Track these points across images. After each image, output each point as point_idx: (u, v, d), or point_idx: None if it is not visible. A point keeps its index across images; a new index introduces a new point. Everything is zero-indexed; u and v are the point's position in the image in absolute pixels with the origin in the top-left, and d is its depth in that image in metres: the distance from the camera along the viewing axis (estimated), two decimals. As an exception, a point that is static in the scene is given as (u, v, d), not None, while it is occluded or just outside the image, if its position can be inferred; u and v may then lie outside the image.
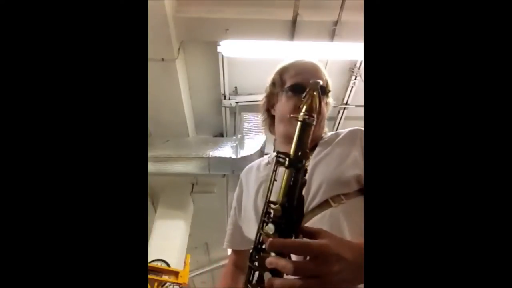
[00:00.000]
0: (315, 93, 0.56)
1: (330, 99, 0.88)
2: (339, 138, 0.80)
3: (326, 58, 2.91)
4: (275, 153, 0.56)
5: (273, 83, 0.88)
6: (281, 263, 0.45)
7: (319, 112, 0.79)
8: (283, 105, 0.83)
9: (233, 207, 0.93)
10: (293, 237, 0.50)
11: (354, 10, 2.44)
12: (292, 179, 0.51)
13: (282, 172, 0.54)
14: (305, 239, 0.50)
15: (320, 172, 0.72)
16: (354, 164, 0.70)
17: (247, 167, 0.95)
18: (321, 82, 0.59)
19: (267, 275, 0.49)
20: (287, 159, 0.52)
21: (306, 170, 0.54)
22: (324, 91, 0.84)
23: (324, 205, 0.67)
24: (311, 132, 0.54)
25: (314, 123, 0.55)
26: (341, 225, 0.64)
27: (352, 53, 2.70)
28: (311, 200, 0.68)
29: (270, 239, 0.47)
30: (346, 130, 0.82)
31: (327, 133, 0.86)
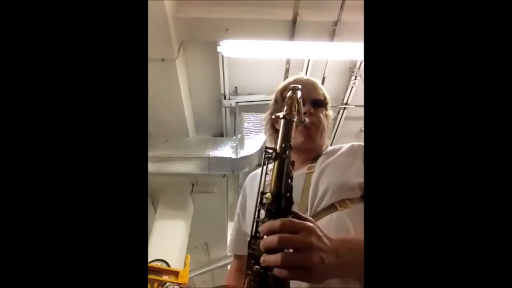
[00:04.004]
0: (294, 96, 0.64)
1: (330, 112, 0.95)
2: (341, 150, 0.85)
3: (326, 58, 2.92)
4: None
5: (275, 101, 0.96)
6: (268, 239, 0.50)
7: (319, 121, 0.88)
8: None
9: (236, 213, 0.97)
10: None
11: (354, 10, 2.44)
12: (279, 168, 0.57)
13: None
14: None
15: (326, 178, 0.76)
16: (357, 172, 0.75)
17: (250, 175, 1.00)
18: (299, 87, 0.67)
19: None
20: (274, 152, 0.59)
21: (293, 162, 0.59)
22: (321, 104, 0.91)
23: (330, 208, 0.71)
24: (293, 127, 0.61)
25: (295, 120, 0.61)
26: (347, 226, 0.67)
27: (352, 53, 2.70)
28: (318, 203, 0.72)
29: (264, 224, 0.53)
30: (348, 144, 0.87)
31: (328, 147, 0.93)
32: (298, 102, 0.64)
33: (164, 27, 2.40)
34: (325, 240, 0.52)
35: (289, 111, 0.62)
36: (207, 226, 4.67)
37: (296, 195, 0.74)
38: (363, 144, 0.85)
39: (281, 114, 0.62)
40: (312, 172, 0.79)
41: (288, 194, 0.56)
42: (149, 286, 2.92)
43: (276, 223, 0.51)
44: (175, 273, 3.17)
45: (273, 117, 0.91)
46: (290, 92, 0.65)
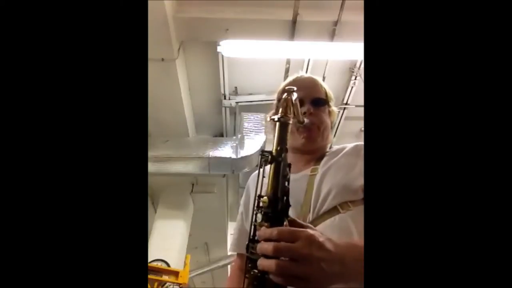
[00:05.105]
0: (288, 98, 0.63)
1: (334, 108, 0.94)
2: (345, 150, 0.84)
3: (326, 58, 2.92)
4: None
5: (278, 100, 0.95)
6: (264, 246, 0.50)
7: (320, 121, 0.86)
8: None
9: (239, 212, 0.96)
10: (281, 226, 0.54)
11: (354, 10, 2.44)
12: (275, 172, 0.57)
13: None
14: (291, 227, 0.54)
15: (328, 179, 0.76)
16: (360, 174, 0.74)
17: (254, 174, 0.99)
18: (295, 88, 0.65)
19: None
20: (270, 155, 0.58)
21: (289, 165, 0.59)
22: (322, 102, 0.90)
23: (332, 211, 0.70)
24: (289, 129, 0.61)
25: (290, 122, 0.61)
26: (350, 229, 0.67)
27: (352, 53, 2.70)
28: (320, 206, 0.72)
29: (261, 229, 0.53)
30: (352, 144, 0.86)
31: (333, 146, 0.92)
32: (293, 104, 0.63)
33: (164, 27, 2.39)
34: (328, 247, 0.50)
35: (284, 113, 0.61)
36: (207, 226, 4.67)
37: (299, 197, 0.73)
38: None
39: (276, 117, 0.61)
40: (315, 174, 0.78)
41: (284, 197, 0.55)
42: (149, 286, 2.92)
43: (273, 231, 0.50)
44: (175, 273, 3.17)
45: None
46: (285, 94, 0.64)
